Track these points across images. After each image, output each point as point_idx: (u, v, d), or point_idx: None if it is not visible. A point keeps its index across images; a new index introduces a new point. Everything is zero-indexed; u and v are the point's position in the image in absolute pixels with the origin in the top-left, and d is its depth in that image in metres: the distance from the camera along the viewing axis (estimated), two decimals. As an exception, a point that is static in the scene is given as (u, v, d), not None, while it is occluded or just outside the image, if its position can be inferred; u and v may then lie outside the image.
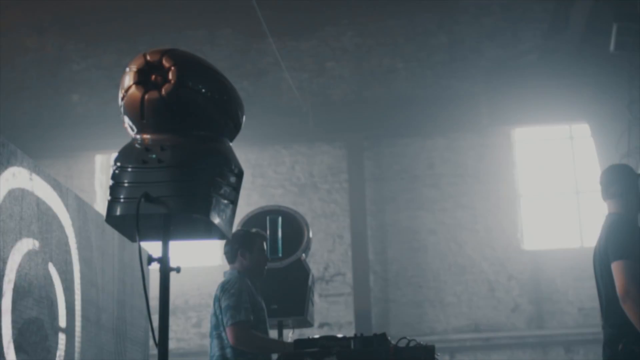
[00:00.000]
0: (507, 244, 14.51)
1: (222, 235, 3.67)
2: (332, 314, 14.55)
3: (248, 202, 13.24)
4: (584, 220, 14.43)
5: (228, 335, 6.44)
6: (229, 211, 3.63)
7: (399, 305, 14.53)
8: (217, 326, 6.63)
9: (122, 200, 3.52)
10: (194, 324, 14.75)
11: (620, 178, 6.09)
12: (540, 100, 13.84)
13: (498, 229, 14.56)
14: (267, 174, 15.16)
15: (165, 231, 3.56)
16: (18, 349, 6.08)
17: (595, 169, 12.35)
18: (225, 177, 3.58)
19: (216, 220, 3.52)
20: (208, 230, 3.63)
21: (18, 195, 6.23)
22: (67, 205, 7.33)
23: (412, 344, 4.55)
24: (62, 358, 7.03)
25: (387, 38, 12.79)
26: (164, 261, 3.55)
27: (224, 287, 6.61)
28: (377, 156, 15.05)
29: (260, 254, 6.85)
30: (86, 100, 13.75)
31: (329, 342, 4.64)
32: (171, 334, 14.32)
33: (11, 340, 5.96)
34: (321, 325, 14.08)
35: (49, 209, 6.88)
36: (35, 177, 6.65)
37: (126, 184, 3.54)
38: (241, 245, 6.78)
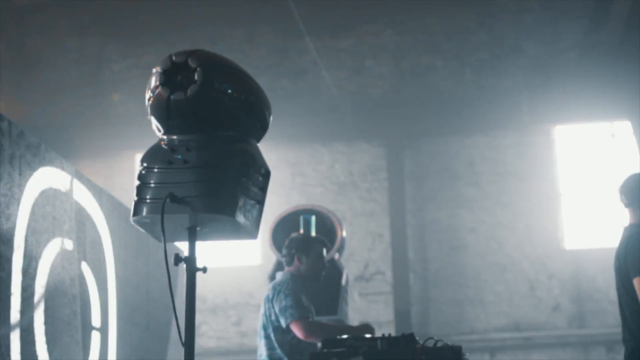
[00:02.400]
0: (548, 243, 14.41)
1: (248, 236, 3.67)
2: (372, 313, 14.53)
3: (288, 201, 13.28)
4: (625, 219, 14.26)
5: (295, 331, 6.52)
6: (255, 212, 3.63)
7: (438, 304, 14.48)
8: (265, 326, 6.71)
9: (148, 200, 3.55)
10: (233, 322, 14.78)
11: None
12: (581, 98, 13.73)
13: (539, 228, 14.47)
14: (306, 172, 15.17)
15: (191, 232, 3.59)
16: (51, 348, 6.12)
17: (637, 167, 12.23)
18: (251, 177, 3.58)
19: (242, 220, 3.52)
20: (234, 231, 3.63)
21: (51, 195, 6.27)
22: (101, 205, 7.37)
23: (439, 344, 4.54)
24: (96, 357, 7.07)
25: (426, 36, 12.75)
26: (190, 261, 3.56)
27: (276, 288, 6.73)
28: (417, 154, 15.01)
29: (318, 260, 6.95)
30: (126, 100, 13.85)
31: (356, 342, 4.65)
32: (211, 333, 14.44)
33: (44, 340, 6.00)
34: (361, 324, 14.06)
35: (82, 208, 6.92)
36: (68, 177, 6.68)
37: (152, 185, 3.57)
38: (298, 249, 6.93)
